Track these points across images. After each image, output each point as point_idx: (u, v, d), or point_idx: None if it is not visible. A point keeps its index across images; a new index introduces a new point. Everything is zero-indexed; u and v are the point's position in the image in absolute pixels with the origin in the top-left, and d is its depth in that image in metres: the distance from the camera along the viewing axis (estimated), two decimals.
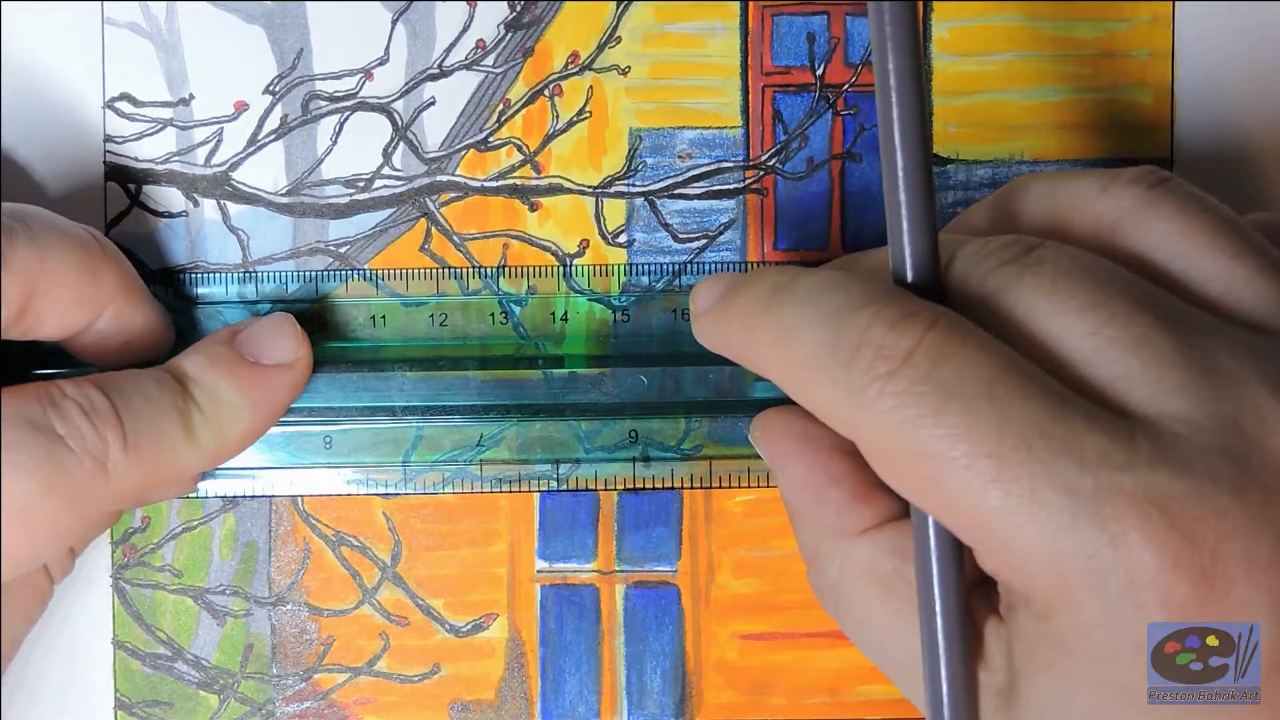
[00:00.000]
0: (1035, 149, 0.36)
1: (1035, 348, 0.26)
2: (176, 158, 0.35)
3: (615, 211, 0.36)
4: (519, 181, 0.36)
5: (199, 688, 0.36)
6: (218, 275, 0.35)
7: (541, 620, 0.36)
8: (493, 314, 0.35)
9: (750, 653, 0.36)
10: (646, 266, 0.35)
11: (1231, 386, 0.24)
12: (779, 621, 0.36)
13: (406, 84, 0.36)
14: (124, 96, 0.35)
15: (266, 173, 0.35)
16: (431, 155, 0.36)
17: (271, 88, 0.35)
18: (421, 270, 0.35)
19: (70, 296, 0.31)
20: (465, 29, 0.35)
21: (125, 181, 0.35)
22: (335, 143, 0.36)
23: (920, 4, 0.35)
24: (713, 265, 0.36)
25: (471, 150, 0.36)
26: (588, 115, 0.36)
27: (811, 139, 0.36)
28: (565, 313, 0.35)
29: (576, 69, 0.36)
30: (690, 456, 0.35)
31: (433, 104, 0.36)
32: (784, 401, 0.29)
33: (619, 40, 0.36)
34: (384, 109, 0.36)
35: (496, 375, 0.35)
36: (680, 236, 0.36)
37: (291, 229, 0.36)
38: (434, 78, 0.36)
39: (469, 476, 0.35)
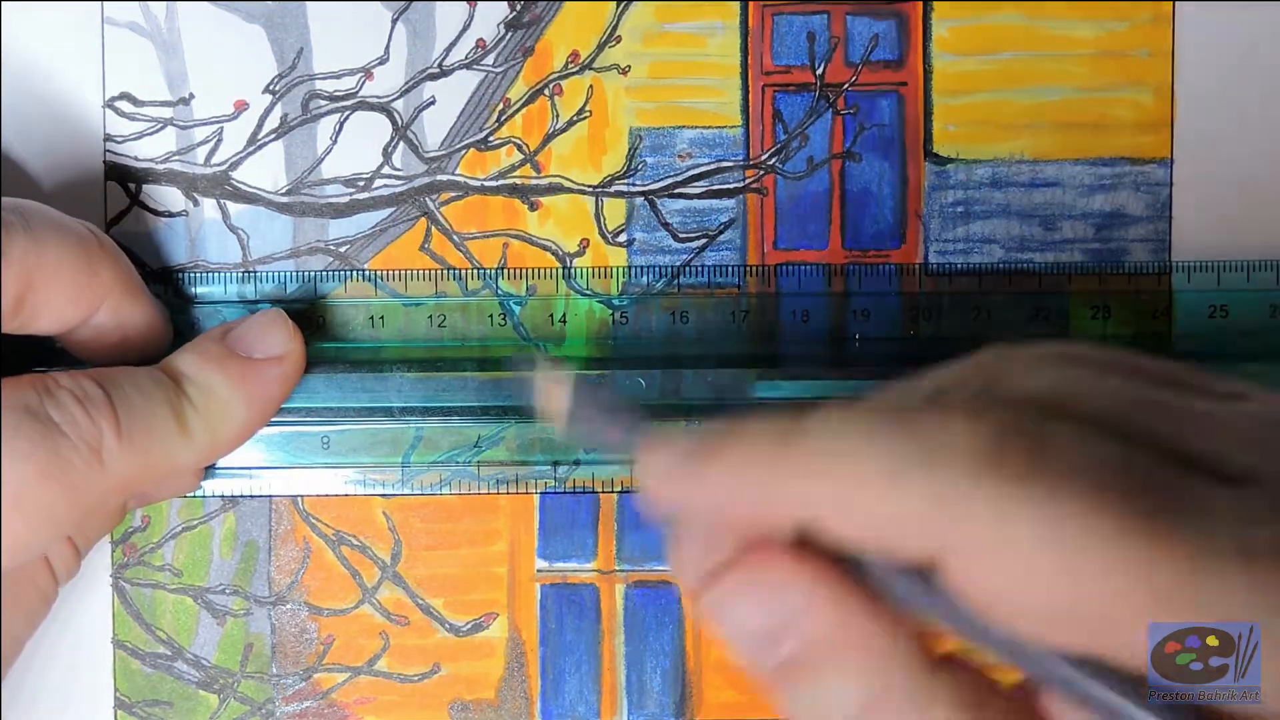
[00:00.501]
0: (1035, 149, 0.36)
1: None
2: (176, 157, 0.35)
3: (615, 211, 0.36)
4: (519, 181, 0.36)
5: (199, 687, 0.36)
6: (217, 275, 0.35)
7: (541, 620, 0.36)
8: (492, 315, 0.35)
9: None
10: (647, 268, 0.35)
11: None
12: None
13: (406, 83, 0.35)
14: (124, 96, 0.35)
15: (266, 172, 0.35)
16: (431, 155, 0.36)
17: (271, 87, 0.35)
18: (421, 270, 0.35)
19: (67, 289, 0.31)
20: (465, 28, 0.35)
21: (125, 181, 0.35)
22: (335, 142, 0.36)
23: (920, 4, 0.36)
24: (713, 264, 0.36)
25: (471, 150, 0.36)
26: (588, 114, 0.36)
27: (811, 138, 0.36)
28: (565, 314, 0.35)
29: (576, 68, 0.36)
30: None
31: (433, 103, 0.36)
32: (780, 412, 0.27)
33: (619, 40, 0.36)
34: (384, 108, 0.36)
35: (495, 376, 0.35)
36: (680, 236, 0.36)
37: (291, 228, 0.36)
38: (434, 77, 0.36)
39: (468, 477, 0.35)
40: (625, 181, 0.36)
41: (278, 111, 0.35)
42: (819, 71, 0.36)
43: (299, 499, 0.36)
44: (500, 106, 0.36)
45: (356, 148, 0.36)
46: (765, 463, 0.24)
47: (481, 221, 0.36)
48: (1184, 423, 0.24)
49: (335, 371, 0.35)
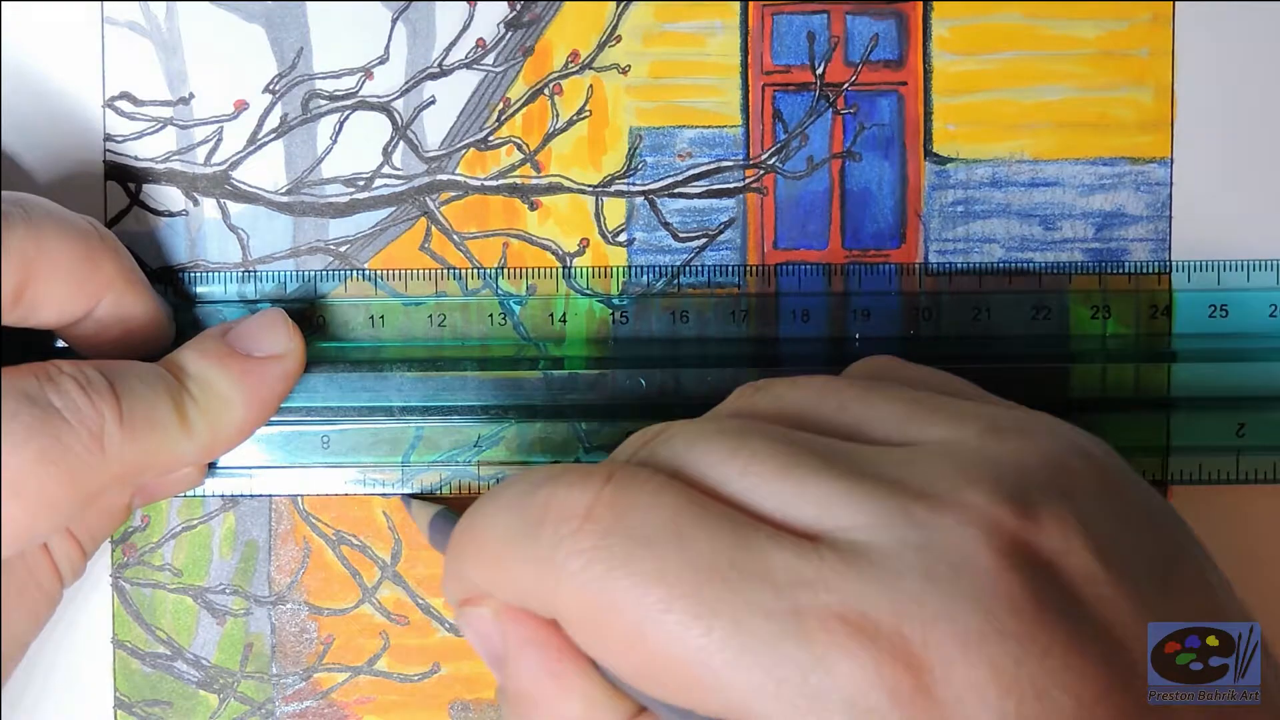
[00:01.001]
0: (1035, 148, 0.36)
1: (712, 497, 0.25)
2: (176, 157, 0.35)
3: (615, 210, 0.36)
4: (519, 180, 0.36)
5: (199, 687, 0.36)
6: (217, 274, 0.35)
7: None
8: (492, 314, 0.35)
9: None
10: (647, 267, 0.35)
11: (884, 485, 0.24)
12: None
13: (406, 83, 0.36)
14: (124, 95, 0.35)
15: (266, 172, 0.36)
16: (431, 154, 0.36)
17: (271, 87, 0.35)
18: (421, 270, 0.35)
19: (67, 281, 0.31)
20: (465, 28, 0.35)
21: (125, 180, 0.35)
22: (335, 142, 0.36)
23: (920, 4, 0.36)
24: (713, 264, 0.36)
25: (471, 149, 0.36)
26: (588, 114, 0.36)
27: (811, 138, 0.36)
28: (565, 313, 0.35)
29: (576, 68, 0.36)
30: None
31: (433, 103, 0.36)
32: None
33: (619, 39, 0.36)
34: (384, 108, 0.36)
35: (495, 375, 0.35)
36: (680, 235, 0.36)
37: (291, 228, 0.36)
38: (434, 77, 0.36)
39: (468, 476, 0.35)
40: (625, 181, 0.36)
41: (278, 111, 0.35)
42: (819, 71, 0.36)
43: (299, 499, 0.36)
44: (500, 106, 0.36)
45: (356, 147, 0.36)
46: (450, 558, 0.28)
47: (481, 221, 0.36)
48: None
49: (335, 371, 0.35)
